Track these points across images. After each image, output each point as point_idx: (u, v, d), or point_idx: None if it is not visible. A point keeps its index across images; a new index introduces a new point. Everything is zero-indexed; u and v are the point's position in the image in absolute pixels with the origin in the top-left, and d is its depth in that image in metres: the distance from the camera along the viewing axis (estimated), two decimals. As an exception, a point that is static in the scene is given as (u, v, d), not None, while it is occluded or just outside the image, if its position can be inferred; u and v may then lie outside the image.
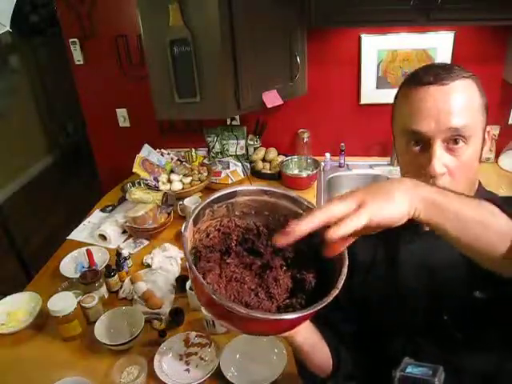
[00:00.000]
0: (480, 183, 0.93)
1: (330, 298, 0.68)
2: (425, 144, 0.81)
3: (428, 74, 0.81)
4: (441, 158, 0.79)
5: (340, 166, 2.40)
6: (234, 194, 0.82)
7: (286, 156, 2.41)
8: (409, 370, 0.77)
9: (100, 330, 1.39)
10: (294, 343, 0.87)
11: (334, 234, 0.56)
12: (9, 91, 4.16)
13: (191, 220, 0.74)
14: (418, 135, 0.81)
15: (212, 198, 0.79)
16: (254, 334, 1.02)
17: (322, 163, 2.37)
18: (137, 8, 1.77)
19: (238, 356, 1.32)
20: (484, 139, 0.85)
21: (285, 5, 1.90)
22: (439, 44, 2.13)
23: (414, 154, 0.83)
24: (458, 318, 0.86)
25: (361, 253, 0.94)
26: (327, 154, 2.38)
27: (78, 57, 2.39)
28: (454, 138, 0.79)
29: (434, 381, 0.73)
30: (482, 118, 0.82)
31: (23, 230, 3.09)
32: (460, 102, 0.78)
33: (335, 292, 0.69)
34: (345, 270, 0.71)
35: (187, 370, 1.30)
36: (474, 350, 0.87)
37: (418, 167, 0.82)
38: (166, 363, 1.31)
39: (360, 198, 0.58)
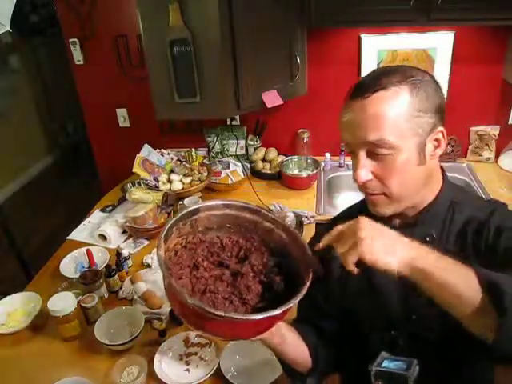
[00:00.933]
0: (445, 182, 0.92)
1: (295, 301, 0.73)
2: (354, 152, 0.85)
3: (357, 86, 0.83)
4: (364, 165, 0.83)
5: (340, 166, 2.40)
6: (196, 211, 0.87)
7: (286, 156, 2.41)
8: (385, 364, 0.80)
9: (100, 330, 1.39)
10: (271, 345, 0.91)
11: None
12: (9, 91, 4.16)
13: (162, 238, 0.78)
14: (348, 145, 0.86)
15: (177, 216, 0.83)
16: (233, 339, 1.06)
17: (322, 163, 2.37)
18: (137, 8, 1.77)
19: (237, 356, 1.32)
20: (437, 140, 0.84)
21: (285, 5, 1.90)
22: (439, 44, 2.13)
23: (352, 160, 0.88)
24: (425, 318, 0.89)
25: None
26: (327, 154, 2.38)
27: (78, 57, 2.39)
28: (375, 149, 0.81)
29: (408, 375, 0.75)
30: (408, 124, 0.80)
31: (23, 230, 3.08)
32: (377, 115, 0.79)
33: (299, 297, 0.74)
34: (308, 280, 0.76)
35: (187, 370, 1.30)
36: (445, 347, 0.90)
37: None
38: (166, 363, 1.31)
39: (363, 234, 0.69)
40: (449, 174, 0.94)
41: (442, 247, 0.86)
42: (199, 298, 0.80)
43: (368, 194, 0.87)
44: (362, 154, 0.83)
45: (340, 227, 0.74)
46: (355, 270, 0.69)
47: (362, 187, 0.86)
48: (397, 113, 0.79)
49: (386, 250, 0.68)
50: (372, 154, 0.82)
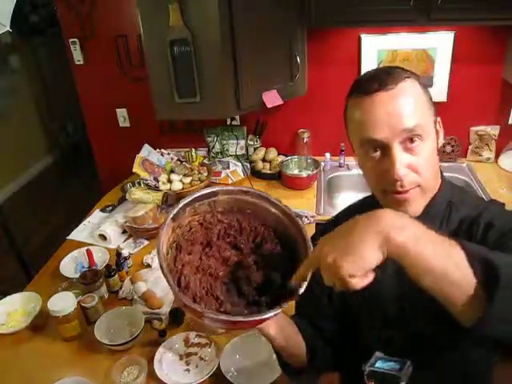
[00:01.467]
0: (444, 182, 0.93)
1: (285, 305, 0.74)
2: (383, 149, 0.83)
3: (372, 82, 0.82)
4: (401, 160, 0.81)
5: (340, 166, 2.40)
6: (215, 193, 0.87)
7: (286, 156, 2.41)
8: (378, 364, 0.80)
9: (100, 330, 1.39)
10: (267, 336, 0.92)
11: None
12: (9, 91, 4.16)
13: (170, 218, 0.78)
14: (375, 143, 0.83)
15: (192, 197, 0.83)
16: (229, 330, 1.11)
17: (322, 163, 2.37)
18: (137, 8, 1.77)
19: (237, 356, 1.32)
20: (437, 131, 0.88)
21: (285, 5, 1.91)
22: (439, 44, 2.13)
23: (375, 160, 0.85)
24: (420, 318, 0.89)
25: None
26: (327, 154, 2.37)
27: (78, 57, 2.39)
28: (410, 138, 0.81)
29: (401, 375, 0.75)
30: (430, 111, 0.85)
31: (23, 229, 3.09)
32: (408, 103, 0.81)
33: (289, 301, 0.75)
34: (302, 289, 0.76)
35: (187, 370, 1.30)
36: (441, 347, 0.89)
37: (382, 172, 0.84)
38: (166, 363, 1.31)
39: (330, 259, 0.63)
40: (449, 174, 0.95)
41: None
42: (200, 278, 0.80)
43: (401, 192, 0.84)
44: (397, 148, 0.81)
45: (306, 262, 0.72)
46: (367, 282, 0.65)
47: (397, 185, 0.82)
48: (420, 100, 0.83)
49: (357, 259, 0.62)
50: (404, 145, 0.82)
